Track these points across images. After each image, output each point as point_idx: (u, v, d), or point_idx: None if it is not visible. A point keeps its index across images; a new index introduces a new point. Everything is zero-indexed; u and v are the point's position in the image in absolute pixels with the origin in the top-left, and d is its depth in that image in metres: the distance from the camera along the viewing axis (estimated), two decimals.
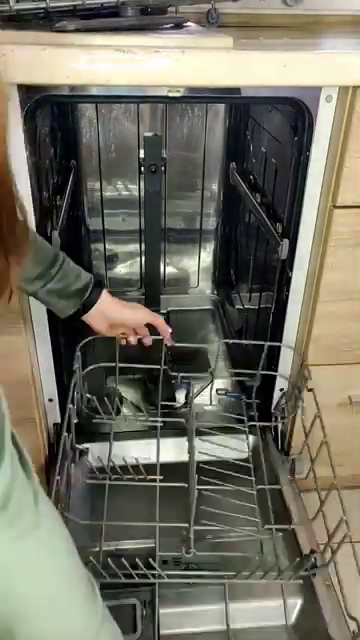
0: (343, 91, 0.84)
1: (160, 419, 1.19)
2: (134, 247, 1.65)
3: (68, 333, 1.19)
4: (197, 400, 1.32)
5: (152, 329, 1.05)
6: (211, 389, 1.23)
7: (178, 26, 0.96)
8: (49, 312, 0.99)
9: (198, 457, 1.16)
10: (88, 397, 1.14)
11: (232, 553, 0.96)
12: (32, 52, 0.74)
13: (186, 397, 1.33)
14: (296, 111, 0.88)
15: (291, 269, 1.00)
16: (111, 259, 1.68)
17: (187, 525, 0.90)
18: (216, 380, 1.38)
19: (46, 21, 0.84)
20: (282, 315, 1.06)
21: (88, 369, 1.15)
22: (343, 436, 1.16)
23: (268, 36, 1.10)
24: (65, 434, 0.97)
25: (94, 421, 1.16)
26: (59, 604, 0.54)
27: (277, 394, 1.15)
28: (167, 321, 1.08)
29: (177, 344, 1.12)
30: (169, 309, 1.66)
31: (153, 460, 1.16)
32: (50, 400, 1.09)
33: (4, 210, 0.48)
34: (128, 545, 0.97)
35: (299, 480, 1.12)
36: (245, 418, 1.25)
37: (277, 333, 1.08)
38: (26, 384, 1.01)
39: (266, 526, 1.02)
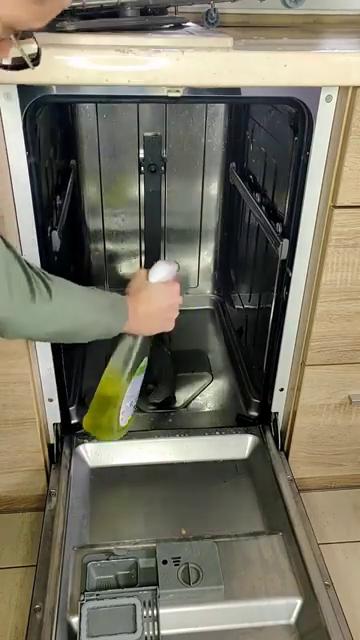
0: (343, 91, 0.84)
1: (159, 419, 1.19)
2: (134, 247, 1.65)
3: None
4: (197, 400, 1.32)
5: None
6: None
7: (178, 26, 0.96)
8: None
9: (198, 457, 1.17)
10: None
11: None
12: None
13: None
14: (296, 111, 0.88)
15: (291, 269, 1.00)
16: (111, 259, 1.68)
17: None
18: (216, 380, 1.39)
19: None
20: (282, 315, 1.05)
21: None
22: (343, 436, 1.16)
23: (268, 36, 1.10)
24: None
25: None
26: None
27: (277, 394, 1.15)
28: None
29: None
30: None
31: (153, 460, 1.16)
32: (50, 400, 1.09)
33: None
34: (128, 545, 0.96)
35: (298, 479, 1.12)
36: (244, 417, 1.25)
37: (277, 333, 1.08)
38: (26, 384, 1.01)
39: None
